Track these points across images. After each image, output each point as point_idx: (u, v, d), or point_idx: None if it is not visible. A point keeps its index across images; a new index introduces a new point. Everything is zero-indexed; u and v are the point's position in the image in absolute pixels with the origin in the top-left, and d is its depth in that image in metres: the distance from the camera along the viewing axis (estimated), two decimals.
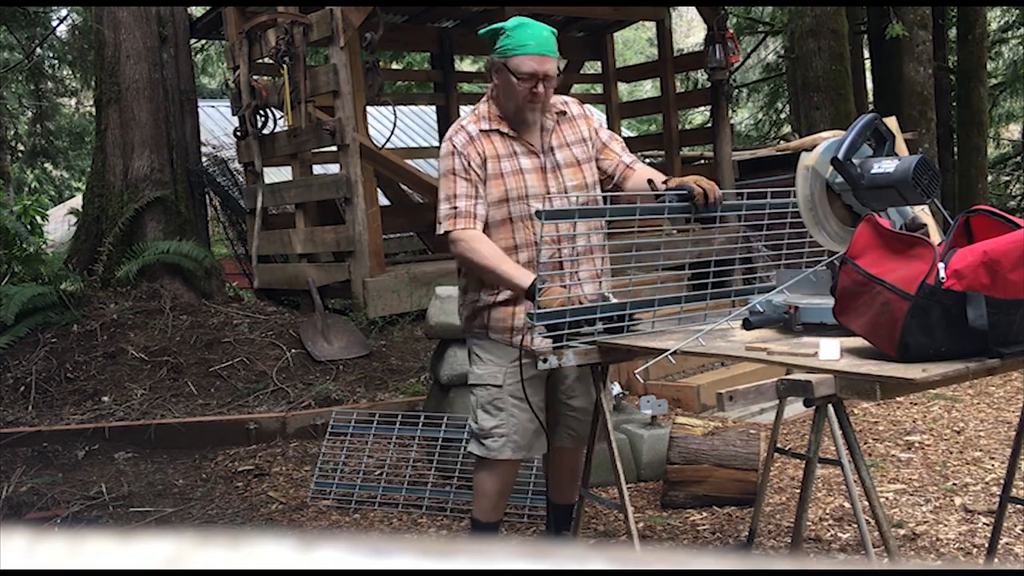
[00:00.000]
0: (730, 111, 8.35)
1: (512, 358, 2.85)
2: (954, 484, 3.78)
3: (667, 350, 2.39)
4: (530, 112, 2.87)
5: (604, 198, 2.69)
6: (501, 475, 2.98)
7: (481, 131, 2.90)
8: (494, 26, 2.90)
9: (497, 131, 2.90)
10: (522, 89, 2.81)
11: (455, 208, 2.86)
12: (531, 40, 2.81)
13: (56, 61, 13.16)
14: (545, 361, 2.55)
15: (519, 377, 2.83)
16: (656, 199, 2.74)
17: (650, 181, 2.85)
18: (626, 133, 10.29)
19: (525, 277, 2.71)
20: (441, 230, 2.91)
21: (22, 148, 15.70)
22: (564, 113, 3.01)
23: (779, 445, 3.27)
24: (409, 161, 7.75)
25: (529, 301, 2.67)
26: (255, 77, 6.64)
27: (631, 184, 2.96)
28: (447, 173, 2.90)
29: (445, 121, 9.49)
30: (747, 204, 2.89)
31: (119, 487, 4.25)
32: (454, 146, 2.89)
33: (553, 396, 3.05)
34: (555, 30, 2.92)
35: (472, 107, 3.05)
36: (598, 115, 3.18)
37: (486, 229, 2.89)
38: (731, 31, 7.54)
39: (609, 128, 3.21)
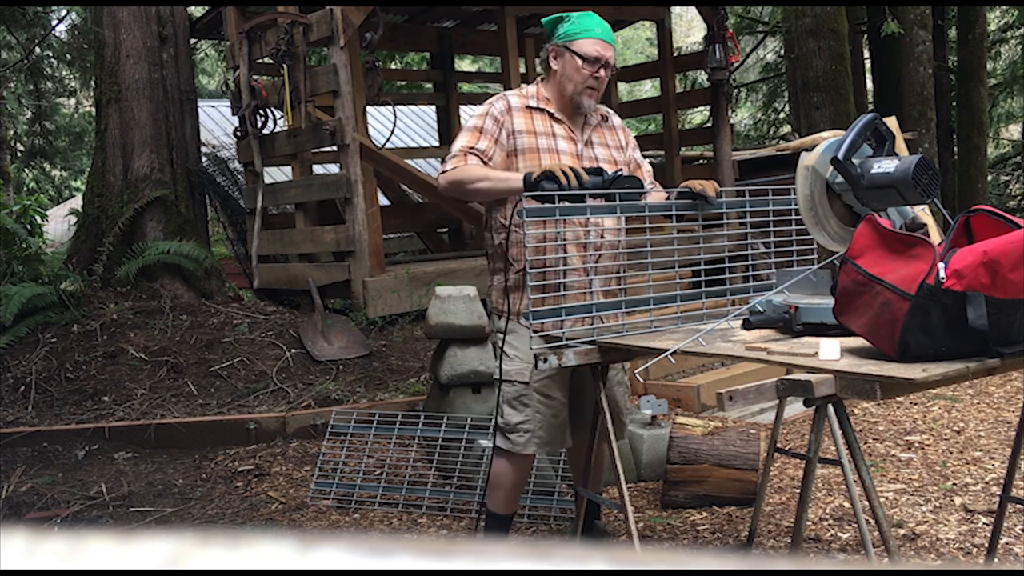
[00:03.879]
0: (730, 111, 8.35)
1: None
2: (954, 484, 3.78)
3: (667, 350, 2.39)
4: (587, 98, 2.93)
5: (607, 197, 2.70)
6: (519, 468, 3.03)
7: (526, 107, 2.96)
8: (557, 14, 2.96)
9: (543, 110, 2.96)
10: (585, 72, 2.88)
11: (471, 150, 2.87)
12: (596, 26, 2.90)
13: (55, 61, 13.15)
14: (545, 361, 2.55)
15: (545, 373, 2.86)
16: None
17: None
18: None
19: (517, 176, 2.78)
20: (448, 165, 2.88)
21: (21, 148, 15.70)
22: (607, 119, 3.10)
23: (779, 445, 3.27)
24: (409, 161, 7.75)
25: (528, 191, 2.69)
26: (255, 77, 6.63)
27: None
28: (474, 128, 2.91)
29: (445, 121, 9.49)
30: (748, 200, 2.92)
31: (119, 487, 4.25)
32: (490, 110, 2.93)
33: (577, 389, 3.08)
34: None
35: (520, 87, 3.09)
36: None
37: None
38: (731, 31, 7.54)
39: None
